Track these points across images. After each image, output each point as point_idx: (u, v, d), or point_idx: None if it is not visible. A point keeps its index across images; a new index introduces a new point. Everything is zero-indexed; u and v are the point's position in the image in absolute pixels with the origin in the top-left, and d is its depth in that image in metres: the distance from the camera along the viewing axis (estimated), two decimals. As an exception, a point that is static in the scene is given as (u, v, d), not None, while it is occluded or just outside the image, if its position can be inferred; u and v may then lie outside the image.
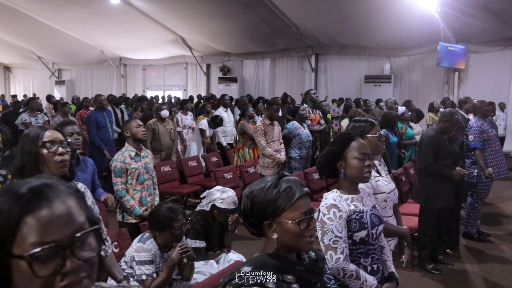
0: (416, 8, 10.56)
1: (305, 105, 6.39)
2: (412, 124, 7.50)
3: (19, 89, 23.53)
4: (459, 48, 11.84)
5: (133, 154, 3.75)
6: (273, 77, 16.24)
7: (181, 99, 13.74)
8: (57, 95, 20.46)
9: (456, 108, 6.81)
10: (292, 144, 5.78)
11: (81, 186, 1.91)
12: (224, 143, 7.81)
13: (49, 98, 16.23)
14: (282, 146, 5.51)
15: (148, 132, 6.08)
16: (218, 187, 3.26)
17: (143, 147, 3.94)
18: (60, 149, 1.78)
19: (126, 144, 3.81)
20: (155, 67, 19.20)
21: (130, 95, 16.47)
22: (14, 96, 18.66)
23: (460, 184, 4.68)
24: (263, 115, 7.74)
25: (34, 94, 20.98)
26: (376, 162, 2.76)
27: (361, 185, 2.22)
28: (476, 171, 4.99)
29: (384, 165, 2.89)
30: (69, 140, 3.21)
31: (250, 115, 6.72)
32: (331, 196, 2.08)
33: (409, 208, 5.23)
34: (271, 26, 13.51)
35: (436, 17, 10.82)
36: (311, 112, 6.33)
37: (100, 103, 7.01)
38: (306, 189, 1.43)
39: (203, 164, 7.05)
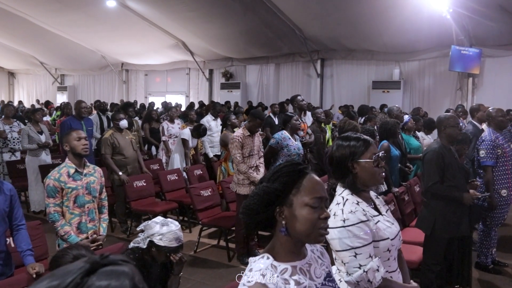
0: (426, 8, 9.78)
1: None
2: (421, 134, 6.77)
3: (23, 94, 23.38)
4: (473, 51, 11.01)
5: (72, 171, 3.21)
6: (277, 83, 15.56)
7: (169, 104, 13.19)
8: (59, 101, 20.18)
9: (469, 118, 6.06)
10: (278, 156, 5.09)
11: None
12: (211, 155, 7.12)
13: (47, 104, 15.90)
14: (262, 160, 4.81)
15: (107, 148, 5.52)
16: (158, 219, 2.57)
17: (88, 163, 3.38)
18: None
19: (66, 159, 3.28)
20: (157, 73, 18.69)
21: (132, 101, 15.96)
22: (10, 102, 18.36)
23: (472, 205, 3.93)
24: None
25: (38, 100, 20.78)
26: (372, 194, 2.03)
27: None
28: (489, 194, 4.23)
29: (382, 198, 2.15)
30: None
31: (232, 124, 6.04)
32: (258, 267, 1.28)
33: (412, 235, 4.47)
34: (274, 30, 12.88)
35: (448, 18, 10.02)
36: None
37: (79, 110, 6.52)
38: None
39: (186, 178, 6.39)
